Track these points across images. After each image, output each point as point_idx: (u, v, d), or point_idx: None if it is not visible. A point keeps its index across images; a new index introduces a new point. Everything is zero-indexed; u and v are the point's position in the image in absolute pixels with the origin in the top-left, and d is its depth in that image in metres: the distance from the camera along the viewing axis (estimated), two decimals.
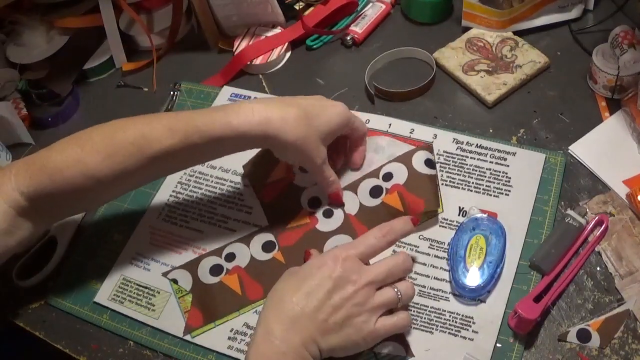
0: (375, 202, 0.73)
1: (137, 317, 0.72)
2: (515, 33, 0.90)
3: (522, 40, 0.89)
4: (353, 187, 0.76)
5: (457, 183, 0.76)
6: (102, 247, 0.79)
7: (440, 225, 0.73)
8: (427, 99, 0.87)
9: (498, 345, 0.65)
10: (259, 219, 0.78)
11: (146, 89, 0.98)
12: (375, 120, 0.84)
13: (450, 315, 0.67)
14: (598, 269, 0.68)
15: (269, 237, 0.76)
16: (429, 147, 0.74)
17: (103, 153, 0.65)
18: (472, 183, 0.76)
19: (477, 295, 0.67)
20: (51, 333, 0.74)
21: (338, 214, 0.75)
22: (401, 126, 0.82)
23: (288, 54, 0.98)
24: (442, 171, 0.78)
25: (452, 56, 0.89)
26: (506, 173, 0.76)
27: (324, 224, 0.75)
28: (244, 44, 0.97)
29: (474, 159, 0.78)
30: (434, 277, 0.70)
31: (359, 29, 0.96)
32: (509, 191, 0.75)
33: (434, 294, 0.69)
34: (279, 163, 0.78)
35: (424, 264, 0.71)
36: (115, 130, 0.66)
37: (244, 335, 0.69)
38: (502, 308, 0.66)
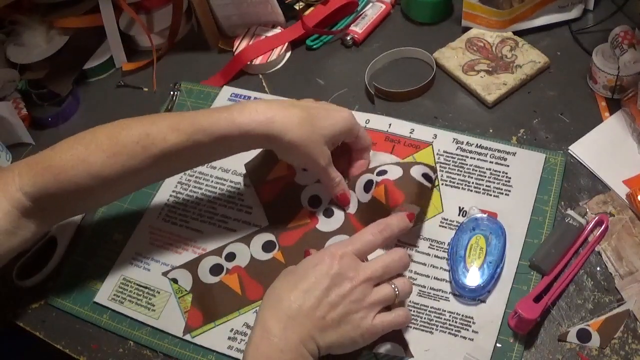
0: (368, 197, 0.73)
1: (137, 317, 0.72)
2: (515, 33, 0.90)
3: (522, 40, 0.89)
4: (351, 185, 0.76)
5: (457, 183, 0.76)
6: (102, 247, 0.79)
7: (440, 225, 0.73)
8: (427, 99, 0.87)
9: (498, 345, 0.65)
10: (259, 219, 0.78)
11: (146, 89, 0.98)
12: (375, 120, 0.84)
13: (450, 315, 0.67)
14: (598, 269, 0.68)
15: (269, 237, 0.76)
16: (432, 167, 0.74)
17: (108, 152, 0.65)
18: (472, 183, 0.76)
19: (477, 295, 0.67)
20: (51, 333, 0.74)
21: (338, 213, 0.75)
22: (401, 126, 0.82)
23: (288, 54, 0.98)
24: (442, 171, 0.78)
25: (452, 56, 0.89)
26: (506, 173, 0.76)
27: (324, 224, 0.75)
28: (244, 44, 0.97)
29: (474, 159, 0.78)
30: (434, 277, 0.70)
31: (359, 29, 0.96)
32: (509, 191, 0.75)
33: (434, 294, 0.69)
34: (280, 161, 0.78)
35: (424, 264, 0.71)
36: (120, 130, 0.66)
37: (244, 335, 0.69)
38: (502, 308, 0.66)
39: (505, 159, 0.77)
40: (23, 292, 0.77)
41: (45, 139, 0.93)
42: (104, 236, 0.80)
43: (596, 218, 0.71)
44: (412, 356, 0.65)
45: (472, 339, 0.65)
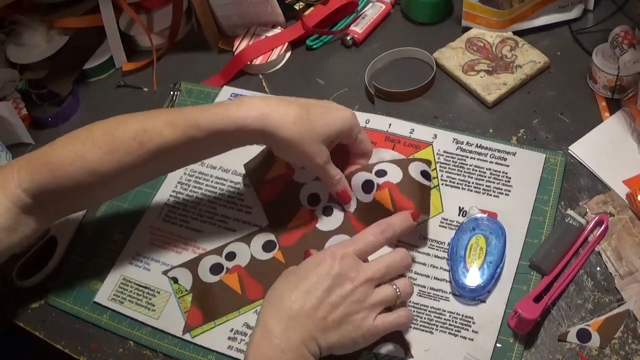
0: (369, 198, 0.72)
1: (137, 317, 0.72)
2: (515, 33, 0.90)
3: (522, 40, 0.89)
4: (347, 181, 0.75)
5: (457, 183, 0.76)
6: (102, 247, 0.79)
7: (440, 225, 0.73)
8: (427, 99, 0.87)
9: (498, 345, 0.65)
10: (259, 219, 0.78)
11: (146, 89, 0.98)
12: (375, 120, 0.84)
13: (450, 315, 0.67)
14: (598, 269, 0.68)
15: (269, 236, 0.76)
16: (427, 161, 0.74)
17: (104, 148, 0.65)
18: (472, 183, 0.76)
19: (477, 295, 0.67)
20: (51, 333, 0.74)
21: (337, 212, 0.75)
22: (401, 126, 0.82)
23: (288, 54, 0.98)
24: (442, 171, 0.78)
25: (452, 56, 0.89)
26: (506, 173, 0.76)
27: (324, 223, 0.75)
28: (244, 44, 0.97)
29: (474, 159, 0.78)
30: (434, 277, 0.70)
31: (359, 29, 0.96)
32: (509, 191, 0.75)
33: (434, 294, 0.69)
34: (279, 160, 0.78)
35: (424, 264, 0.71)
36: (116, 126, 0.66)
37: (244, 335, 0.69)
38: (502, 308, 0.66)
39: (505, 159, 0.77)
40: (23, 292, 0.77)
41: (45, 139, 0.92)
42: (104, 236, 0.80)
43: (596, 218, 0.71)
44: (412, 356, 0.65)
45: (472, 339, 0.65)
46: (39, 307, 0.76)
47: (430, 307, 0.68)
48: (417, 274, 0.71)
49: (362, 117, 0.84)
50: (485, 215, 0.71)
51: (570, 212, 0.71)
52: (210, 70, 0.97)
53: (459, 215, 0.74)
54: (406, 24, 0.98)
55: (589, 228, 0.70)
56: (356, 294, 0.61)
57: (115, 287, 0.75)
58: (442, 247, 0.72)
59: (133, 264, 0.77)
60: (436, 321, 0.67)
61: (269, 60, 0.95)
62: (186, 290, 0.73)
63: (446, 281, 0.70)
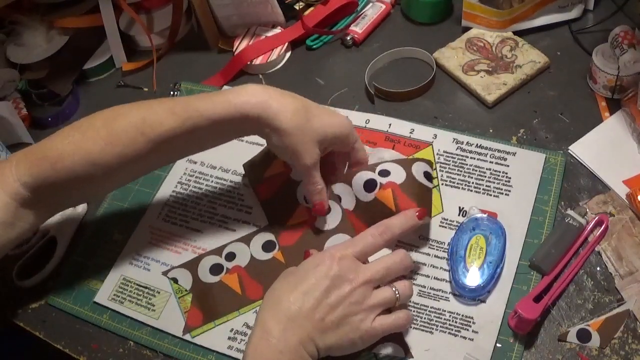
0: (370, 196, 0.72)
1: (137, 317, 0.72)
2: (515, 33, 0.90)
3: (522, 40, 0.89)
4: (347, 180, 0.74)
5: (457, 183, 0.76)
6: (102, 247, 0.79)
7: (440, 225, 0.73)
8: (427, 99, 0.87)
9: (498, 345, 0.65)
10: (259, 219, 0.78)
11: (146, 89, 0.98)
12: (375, 120, 0.84)
13: (450, 315, 0.67)
14: (598, 269, 0.68)
15: (269, 236, 0.76)
16: (429, 162, 0.74)
17: (105, 139, 0.64)
18: (472, 183, 0.76)
19: (477, 295, 0.67)
20: (51, 333, 0.74)
21: (336, 209, 0.74)
22: (401, 126, 0.82)
23: (288, 54, 0.98)
24: (442, 171, 0.78)
25: (452, 56, 0.89)
26: (506, 173, 0.76)
27: (322, 221, 0.74)
28: (244, 44, 0.97)
29: (474, 159, 0.78)
30: (434, 277, 0.70)
31: (359, 29, 0.96)
32: (509, 191, 0.75)
33: (434, 294, 0.69)
34: (277, 159, 0.78)
35: (424, 264, 0.71)
36: (116, 116, 0.66)
37: (244, 335, 0.69)
38: (502, 308, 0.66)
39: (505, 159, 0.77)
40: (23, 292, 0.77)
41: None
42: (104, 236, 0.80)
43: (596, 218, 0.71)
44: (412, 356, 0.65)
45: (472, 339, 0.65)
46: (39, 307, 0.76)
47: (430, 307, 0.68)
48: (417, 274, 0.71)
49: (362, 117, 0.84)
50: (485, 215, 0.71)
51: (570, 212, 0.71)
52: (210, 70, 0.97)
53: (459, 215, 0.74)
54: (406, 24, 0.98)
55: (589, 228, 0.70)
56: (354, 295, 0.61)
57: (115, 287, 0.75)
58: (442, 247, 0.72)
59: (133, 264, 0.77)
60: (436, 321, 0.67)
61: (269, 60, 0.95)
62: (186, 290, 0.73)
63: (446, 281, 0.70)
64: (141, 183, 0.83)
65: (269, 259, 0.74)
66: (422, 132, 0.81)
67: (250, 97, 0.66)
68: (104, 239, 0.80)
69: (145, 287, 0.75)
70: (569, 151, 0.78)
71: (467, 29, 0.92)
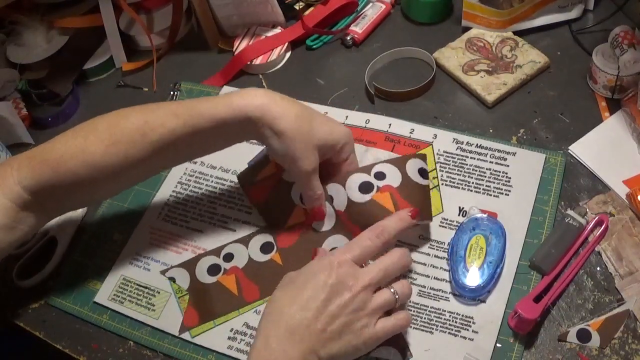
0: (365, 198, 0.71)
1: (137, 317, 0.72)
2: (515, 33, 0.90)
3: (522, 40, 0.89)
4: (341, 181, 0.73)
5: (457, 183, 0.76)
6: (102, 247, 0.79)
7: (440, 225, 0.73)
8: (427, 99, 0.87)
9: (498, 345, 0.65)
10: (259, 220, 0.78)
11: (146, 89, 0.98)
12: (375, 120, 0.84)
13: (450, 315, 0.67)
14: (598, 269, 0.68)
15: (268, 238, 0.76)
16: (422, 156, 0.73)
17: (107, 142, 0.64)
18: (472, 183, 0.76)
19: (477, 295, 0.67)
20: (51, 333, 0.74)
21: (328, 210, 0.74)
22: (401, 126, 0.82)
23: (288, 54, 0.98)
24: (442, 171, 0.78)
25: (452, 56, 0.89)
26: (506, 173, 0.76)
27: (319, 222, 0.74)
28: (244, 44, 0.97)
29: (474, 159, 0.78)
30: (434, 277, 0.70)
31: (359, 29, 0.96)
32: (509, 191, 0.75)
33: (434, 294, 0.69)
34: (269, 163, 0.77)
35: (424, 264, 0.71)
36: (119, 119, 0.66)
37: (244, 335, 0.69)
38: (502, 308, 0.66)
39: (505, 159, 0.77)
40: (23, 292, 0.77)
41: (45, 139, 0.90)
42: (104, 236, 0.80)
43: (596, 218, 0.71)
44: (412, 356, 0.65)
45: (472, 339, 0.65)
46: (39, 307, 0.76)
47: (430, 307, 0.68)
48: (417, 274, 0.71)
49: (362, 117, 0.84)
50: (485, 215, 0.71)
51: (570, 212, 0.71)
52: (210, 70, 0.97)
53: (459, 215, 0.74)
54: (406, 24, 0.98)
55: (589, 228, 0.70)
56: (355, 302, 0.61)
57: (115, 287, 0.75)
58: (442, 247, 0.72)
59: (133, 264, 0.77)
60: (436, 321, 0.67)
61: (269, 60, 0.95)
62: (185, 290, 0.73)
63: (446, 281, 0.70)
64: (141, 183, 0.83)
65: (267, 260, 0.74)
66: (422, 132, 0.81)
67: (252, 99, 0.66)
68: (104, 239, 0.80)
69: (145, 287, 0.75)
70: (569, 151, 0.78)
71: (467, 29, 0.92)
